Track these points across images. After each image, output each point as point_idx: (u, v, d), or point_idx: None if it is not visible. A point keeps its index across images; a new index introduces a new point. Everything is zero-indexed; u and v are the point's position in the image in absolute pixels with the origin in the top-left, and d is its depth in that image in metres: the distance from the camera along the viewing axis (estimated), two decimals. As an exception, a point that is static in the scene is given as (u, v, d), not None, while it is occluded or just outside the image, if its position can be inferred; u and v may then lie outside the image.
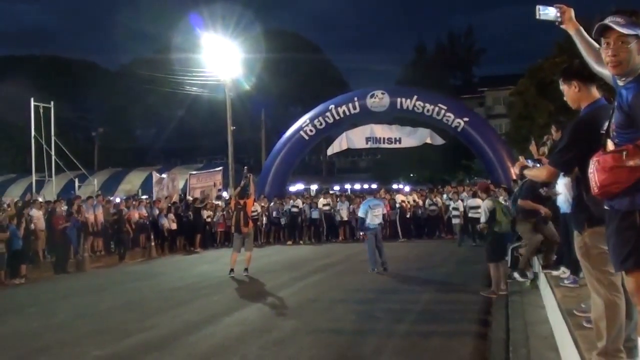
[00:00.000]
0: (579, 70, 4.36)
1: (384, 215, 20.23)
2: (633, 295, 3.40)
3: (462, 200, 22.67)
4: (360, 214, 16.13)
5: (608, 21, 3.26)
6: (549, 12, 4.10)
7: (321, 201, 26.05)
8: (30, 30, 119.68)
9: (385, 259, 15.25)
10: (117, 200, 22.87)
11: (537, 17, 4.12)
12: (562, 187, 7.81)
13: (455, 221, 22.39)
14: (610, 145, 3.33)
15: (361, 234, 16.62)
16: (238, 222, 15.23)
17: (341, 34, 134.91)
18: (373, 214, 15.46)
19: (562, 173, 4.77)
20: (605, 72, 3.52)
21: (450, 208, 23.21)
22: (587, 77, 4.26)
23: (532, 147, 9.53)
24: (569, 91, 4.45)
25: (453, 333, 8.36)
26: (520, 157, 5.29)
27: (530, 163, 5.12)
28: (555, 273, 8.73)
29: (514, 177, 16.77)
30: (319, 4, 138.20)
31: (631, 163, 3.09)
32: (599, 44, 3.46)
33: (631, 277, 3.27)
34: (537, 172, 5.37)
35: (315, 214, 25.53)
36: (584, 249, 4.58)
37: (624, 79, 3.29)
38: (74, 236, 18.33)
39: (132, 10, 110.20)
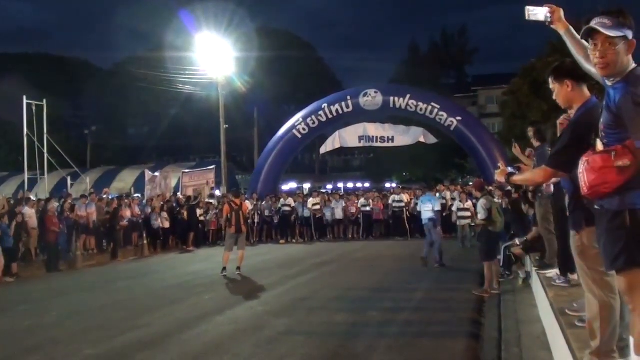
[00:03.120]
0: (571, 69, 4.31)
1: (371, 212, 23.70)
2: (624, 294, 3.42)
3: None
4: (418, 208, 17.00)
5: (594, 23, 3.28)
6: (538, 13, 4.11)
7: (310, 201, 25.93)
8: (24, 29, 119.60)
9: (439, 254, 15.49)
10: (107, 195, 22.73)
11: (527, 17, 4.12)
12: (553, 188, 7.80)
13: (463, 222, 20.72)
14: (599, 146, 3.35)
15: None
16: (239, 222, 15.39)
17: (334, 33, 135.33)
18: (424, 209, 15.89)
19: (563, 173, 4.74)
20: (595, 71, 3.53)
21: (455, 208, 21.50)
22: (580, 76, 4.23)
23: (516, 150, 9.51)
24: (561, 90, 4.38)
25: (446, 332, 8.39)
26: (499, 164, 5.18)
27: (509, 169, 5.02)
28: (549, 274, 8.61)
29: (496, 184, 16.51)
30: (312, 3, 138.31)
31: (620, 163, 3.10)
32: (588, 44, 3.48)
33: (622, 276, 3.29)
34: (530, 176, 5.28)
35: (307, 213, 25.48)
36: (580, 248, 4.58)
37: (612, 79, 3.31)
38: (65, 235, 18.30)
39: (125, 9, 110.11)
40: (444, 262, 15.34)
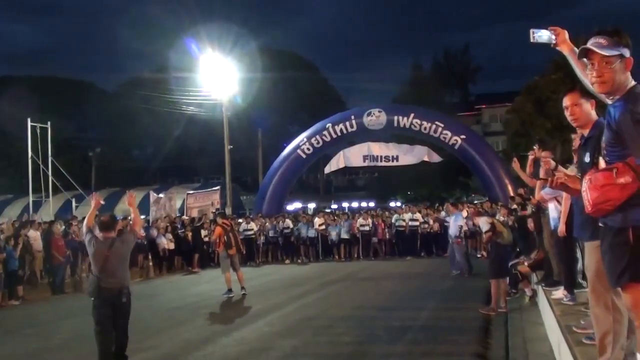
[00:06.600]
0: None
1: (369, 232, 24.57)
2: (630, 310, 3.42)
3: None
4: (455, 222, 18.38)
5: (590, 43, 3.34)
6: (542, 35, 4.14)
7: (317, 221, 25.78)
8: (27, 51, 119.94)
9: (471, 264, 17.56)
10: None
11: (532, 40, 4.16)
12: (553, 206, 7.82)
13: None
14: (602, 163, 3.38)
15: (458, 240, 18.07)
16: (238, 243, 15.54)
17: (338, 53, 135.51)
18: (460, 223, 18.09)
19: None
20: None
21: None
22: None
23: (515, 165, 9.56)
24: (586, 105, 4.51)
25: (453, 351, 8.35)
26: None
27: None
28: (555, 296, 8.45)
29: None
30: (315, 23, 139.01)
31: (621, 180, 3.12)
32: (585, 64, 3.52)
33: (627, 292, 3.30)
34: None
35: (312, 233, 25.37)
36: (599, 263, 4.59)
37: (611, 97, 3.36)
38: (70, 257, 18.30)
39: (129, 31, 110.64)
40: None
